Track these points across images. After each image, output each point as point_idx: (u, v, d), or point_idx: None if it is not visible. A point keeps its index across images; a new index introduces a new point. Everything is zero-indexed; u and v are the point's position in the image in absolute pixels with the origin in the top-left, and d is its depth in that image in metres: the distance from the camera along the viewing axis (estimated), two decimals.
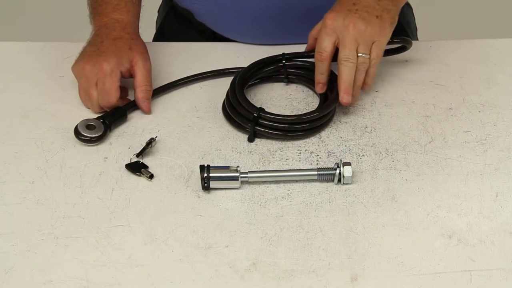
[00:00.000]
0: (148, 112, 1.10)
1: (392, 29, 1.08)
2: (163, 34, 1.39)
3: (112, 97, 1.07)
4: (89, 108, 1.11)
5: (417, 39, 1.42)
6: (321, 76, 1.09)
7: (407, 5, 1.39)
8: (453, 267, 0.88)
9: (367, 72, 1.07)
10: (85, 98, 1.10)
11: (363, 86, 1.09)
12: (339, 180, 0.98)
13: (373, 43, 1.05)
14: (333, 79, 1.10)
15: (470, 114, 1.11)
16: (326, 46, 1.06)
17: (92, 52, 1.10)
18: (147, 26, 1.34)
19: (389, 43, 1.10)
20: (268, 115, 1.05)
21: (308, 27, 1.19)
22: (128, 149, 1.05)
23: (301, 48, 1.18)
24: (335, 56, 1.12)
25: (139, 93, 1.10)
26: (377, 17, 1.05)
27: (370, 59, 1.06)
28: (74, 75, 1.10)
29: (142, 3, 1.20)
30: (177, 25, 1.36)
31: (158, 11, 1.46)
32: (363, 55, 1.05)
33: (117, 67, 1.08)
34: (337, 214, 0.95)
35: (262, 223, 0.94)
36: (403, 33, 1.33)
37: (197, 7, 1.26)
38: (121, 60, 1.08)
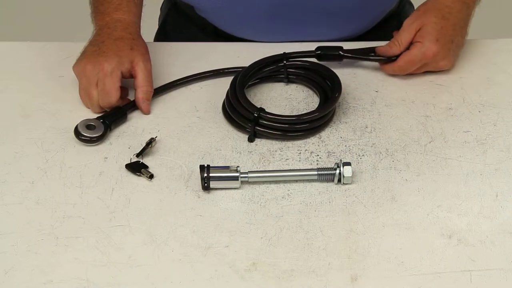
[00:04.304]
0: (147, 112, 1.10)
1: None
2: (165, 30, 1.39)
3: (112, 98, 1.07)
4: (89, 108, 1.10)
5: None
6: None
7: (409, 4, 1.39)
8: (453, 267, 0.88)
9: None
10: (85, 98, 1.09)
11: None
12: (339, 180, 0.98)
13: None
14: (334, 80, 1.10)
15: (470, 114, 1.11)
16: (412, 70, 1.15)
17: (93, 52, 1.10)
18: (149, 24, 1.34)
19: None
20: (268, 116, 1.05)
21: (311, 24, 1.18)
22: (128, 149, 1.05)
23: (302, 46, 1.18)
24: (332, 57, 1.12)
25: (140, 93, 1.10)
26: (452, 42, 1.14)
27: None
28: (75, 75, 1.11)
29: (144, 3, 1.20)
30: (179, 21, 1.35)
31: (161, 9, 1.46)
32: None
33: (118, 68, 1.08)
34: (337, 214, 0.95)
35: (262, 223, 0.94)
36: None
37: (199, 1, 1.26)
38: (122, 60, 1.08)
